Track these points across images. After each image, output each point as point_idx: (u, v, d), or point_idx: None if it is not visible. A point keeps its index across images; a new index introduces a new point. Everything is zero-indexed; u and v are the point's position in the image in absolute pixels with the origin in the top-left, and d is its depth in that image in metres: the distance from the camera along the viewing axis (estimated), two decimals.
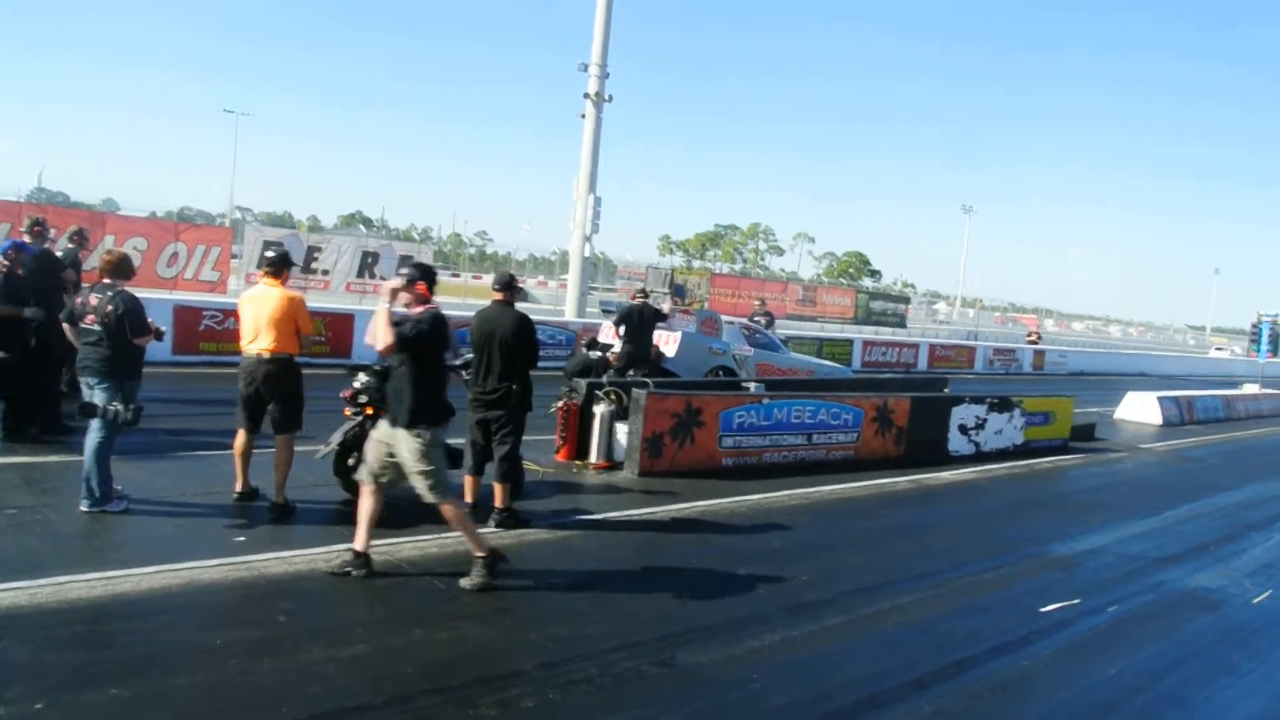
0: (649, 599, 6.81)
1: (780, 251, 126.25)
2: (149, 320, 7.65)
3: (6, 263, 9.71)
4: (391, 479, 6.63)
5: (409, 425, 6.41)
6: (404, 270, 6.76)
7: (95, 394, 7.36)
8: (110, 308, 7.27)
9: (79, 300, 7.54)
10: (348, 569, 6.54)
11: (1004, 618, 7.23)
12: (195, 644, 5.31)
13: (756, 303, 25.79)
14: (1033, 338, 43.71)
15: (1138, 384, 28.69)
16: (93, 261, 9.80)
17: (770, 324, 21.99)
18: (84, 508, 7.37)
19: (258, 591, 6.22)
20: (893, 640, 6.53)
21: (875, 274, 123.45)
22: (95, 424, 7.33)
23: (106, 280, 7.48)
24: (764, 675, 5.65)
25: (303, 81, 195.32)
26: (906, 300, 56.81)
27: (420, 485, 6.48)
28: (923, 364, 33.81)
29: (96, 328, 7.29)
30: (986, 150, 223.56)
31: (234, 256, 26.09)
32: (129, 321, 7.33)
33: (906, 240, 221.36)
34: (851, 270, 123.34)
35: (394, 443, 6.50)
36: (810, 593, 7.28)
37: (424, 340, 6.45)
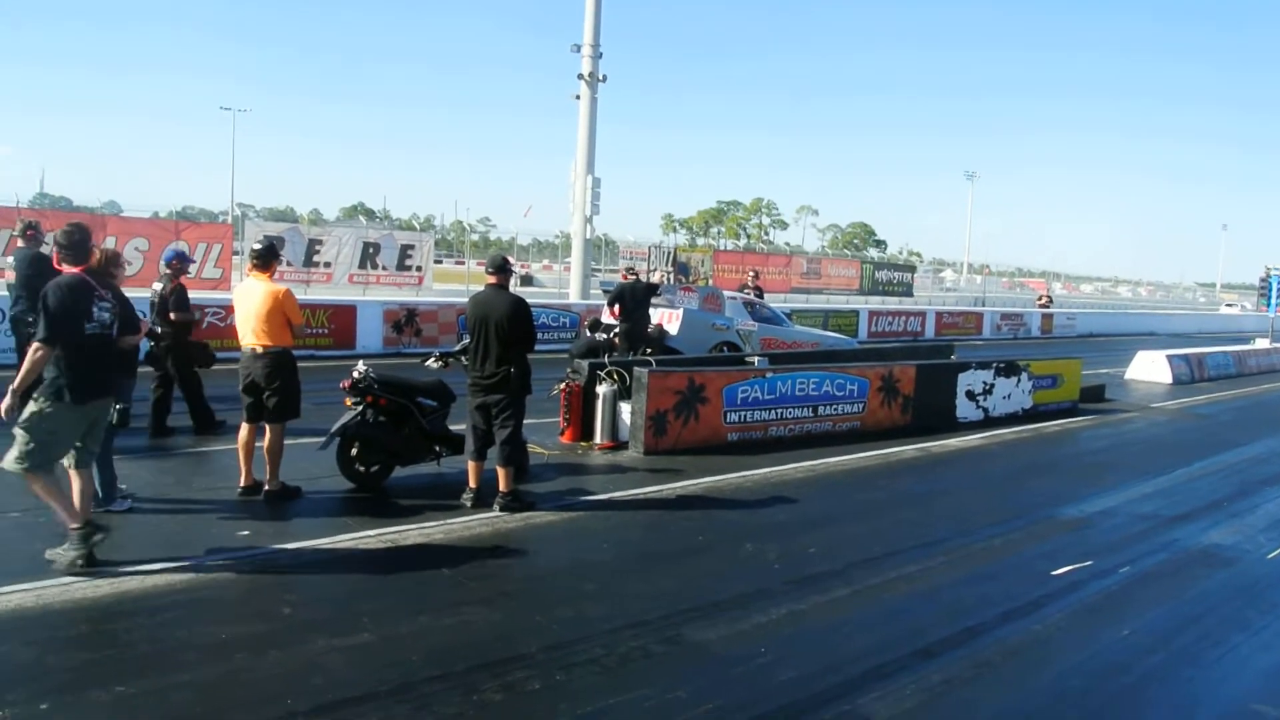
0: (655, 578, 6.79)
1: (784, 225, 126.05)
2: (140, 319, 7.62)
3: (169, 270, 10.25)
4: None
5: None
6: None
7: None
8: None
9: None
10: None
11: (1014, 583, 7.18)
12: (200, 639, 5.31)
13: (749, 274, 25.59)
14: (1043, 301, 43.52)
15: (1147, 344, 28.53)
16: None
17: (760, 297, 21.87)
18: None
19: (263, 584, 6.22)
20: (900, 610, 6.49)
21: (880, 244, 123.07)
22: None
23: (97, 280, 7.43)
24: (771, 649, 5.62)
25: (298, 75, 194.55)
26: (912, 269, 56.38)
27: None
28: (930, 332, 33.70)
29: None
30: (989, 115, 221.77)
31: (235, 253, 26.01)
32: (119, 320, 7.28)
33: (911, 209, 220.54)
34: (856, 241, 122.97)
35: None
36: (817, 565, 7.25)
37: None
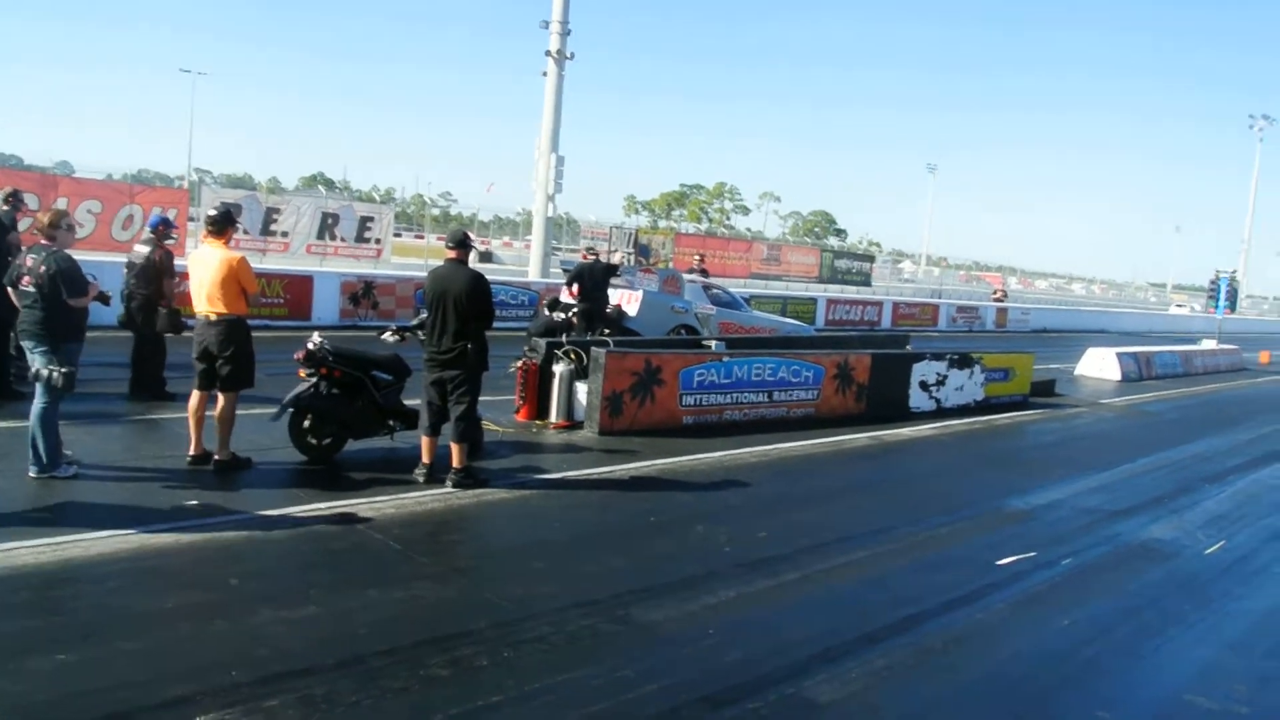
0: (606, 558, 6.81)
1: (746, 211, 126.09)
2: (90, 281, 7.49)
3: (154, 236, 10.40)
4: None
5: None
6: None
7: (34, 357, 7.20)
8: (44, 268, 7.10)
9: (16, 261, 7.37)
10: None
11: (959, 572, 7.29)
12: (144, 608, 5.25)
13: (695, 259, 25.66)
14: (998, 295, 44.07)
15: (1098, 340, 29.02)
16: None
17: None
18: (32, 473, 7.24)
19: (209, 555, 6.15)
20: (847, 595, 6.58)
21: (841, 233, 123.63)
22: (37, 389, 7.19)
23: (44, 241, 7.32)
24: (719, 631, 5.67)
25: (259, 38, 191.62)
26: (871, 259, 56.91)
27: None
28: (886, 322, 33.99)
29: (32, 289, 7.12)
30: (953, 101, 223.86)
31: (191, 219, 25.61)
32: (63, 281, 7.16)
33: (872, 200, 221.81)
34: (817, 229, 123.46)
35: None
36: (768, 549, 7.31)
37: None
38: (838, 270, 47.92)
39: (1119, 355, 22.60)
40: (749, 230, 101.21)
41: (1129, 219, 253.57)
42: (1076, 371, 22.58)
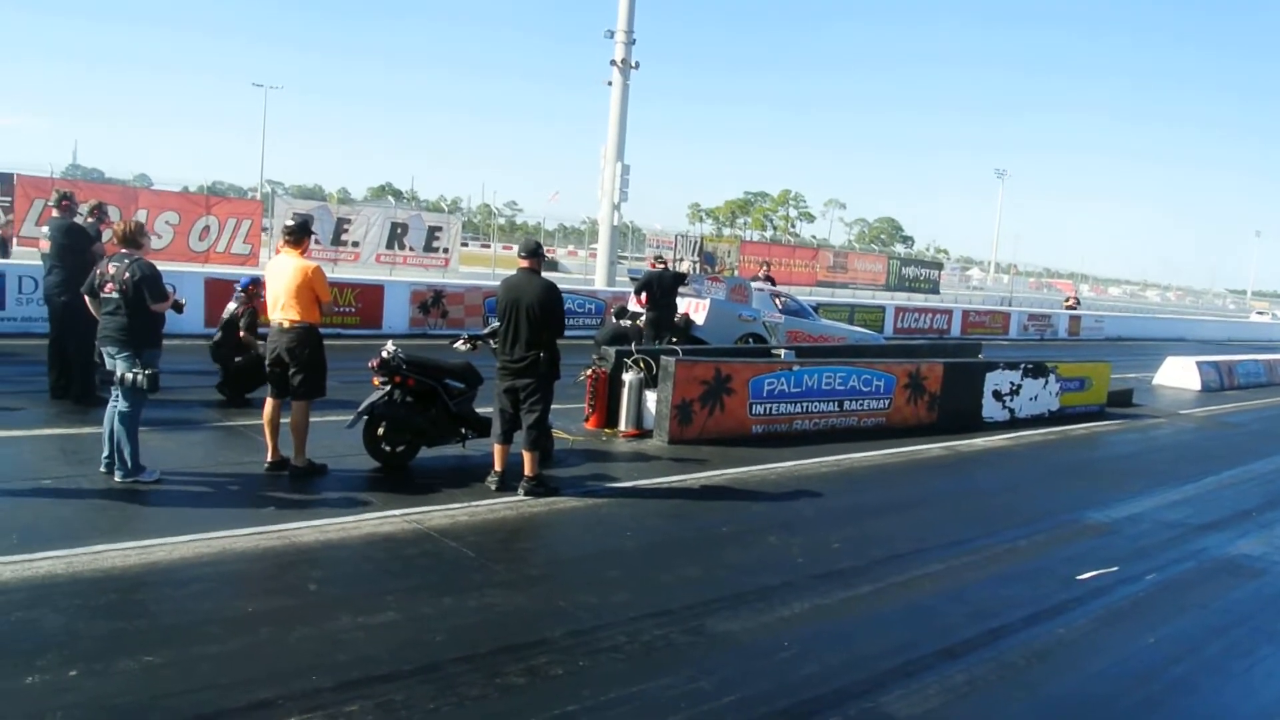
0: (679, 567, 6.77)
1: (811, 218, 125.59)
2: (167, 288, 7.71)
3: (244, 294, 11.05)
4: None
5: None
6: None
7: (116, 363, 7.43)
8: (128, 274, 7.32)
9: (97, 270, 7.60)
10: None
11: (1039, 585, 7.12)
12: (227, 612, 5.34)
13: (762, 267, 25.38)
14: (1070, 303, 43.15)
15: (1176, 349, 28.24)
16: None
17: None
18: (118, 478, 7.44)
19: (288, 560, 6.24)
20: (925, 608, 6.45)
21: (907, 240, 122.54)
22: (119, 394, 7.39)
23: (123, 250, 7.54)
24: (794, 643, 5.60)
25: (325, 49, 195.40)
26: (940, 266, 56.04)
27: None
28: (956, 330, 33.49)
29: (115, 296, 7.34)
30: (1022, 109, 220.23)
31: (264, 229, 26.19)
32: (146, 288, 7.37)
33: (938, 206, 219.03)
34: (883, 236, 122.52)
35: None
36: (841, 560, 7.22)
37: None
38: (905, 278, 47.41)
39: (1199, 364, 21.98)
40: (814, 238, 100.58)
41: (1206, 224, 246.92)
42: (1155, 381, 22.01)
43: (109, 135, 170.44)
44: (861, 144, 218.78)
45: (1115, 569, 7.64)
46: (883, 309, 31.69)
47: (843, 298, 37.56)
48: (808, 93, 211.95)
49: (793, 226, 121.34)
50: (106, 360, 7.59)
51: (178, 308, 7.94)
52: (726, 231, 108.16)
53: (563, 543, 7.20)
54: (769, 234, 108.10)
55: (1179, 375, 22.02)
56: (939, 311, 34.36)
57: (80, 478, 7.52)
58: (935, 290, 49.54)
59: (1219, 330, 50.92)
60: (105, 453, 7.57)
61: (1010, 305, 46.32)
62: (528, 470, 8.08)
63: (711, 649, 5.44)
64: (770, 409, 11.47)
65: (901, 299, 40.51)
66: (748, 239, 79.10)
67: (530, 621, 5.59)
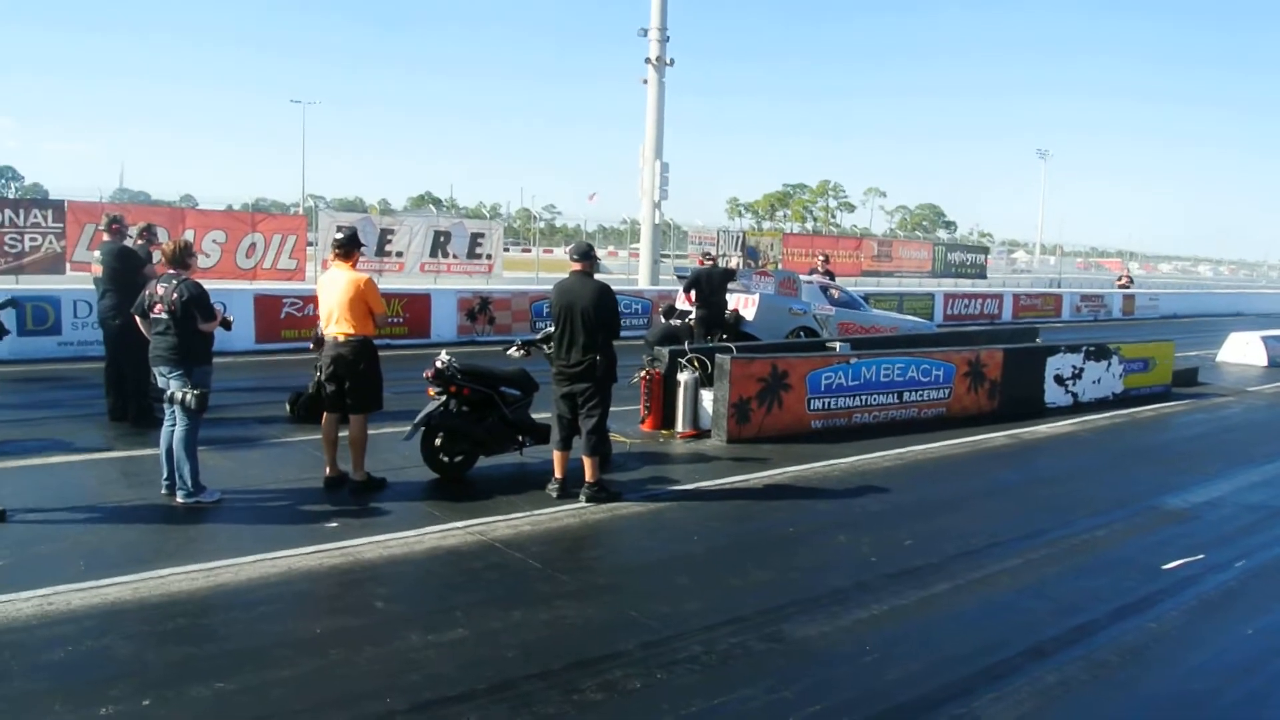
0: (749, 570, 6.60)
1: (851, 208, 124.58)
2: (216, 306, 7.70)
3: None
4: None
5: None
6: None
7: (169, 382, 7.43)
8: (176, 295, 7.32)
9: (146, 291, 7.60)
10: None
11: (1123, 577, 6.86)
12: (295, 634, 5.27)
13: (819, 259, 24.81)
14: (1123, 281, 42.26)
15: (1234, 325, 27.51)
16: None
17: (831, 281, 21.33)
18: (179, 499, 7.43)
19: (354, 577, 6.17)
20: (1006, 605, 6.23)
21: (950, 225, 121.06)
22: (176, 414, 7.37)
23: (171, 270, 7.54)
24: (876, 648, 5.42)
25: (363, 65, 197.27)
26: (986, 250, 55.03)
27: None
28: (1007, 314, 32.94)
29: (164, 316, 7.34)
30: (1061, 89, 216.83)
31: (310, 244, 26.34)
32: (196, 307, 7.36)
33: (980, 190, 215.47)
34: (925, 223, 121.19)
35: None
36: (915, 557, 7.02)
37: None
38: (951, 263, 46.67)
39: (1265, 340, 21.34)
40: (855, 227, 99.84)
41: (1257, 196, 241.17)
42: (1218, 358, 21.41)
43: (153, 157, 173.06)
44: (900, 131, 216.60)
45: (1201, 557, 7.35)
46: (931, 296, 31.25)
47: (889, 287, 37.04)
48: (843, 83, 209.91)
49: (833, 217, 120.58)
50: (159, 380, 7.59)
51: (226, 325, 7.91)
52: (765, 225, 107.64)
53: (628, 549, 7.06)
54: (809, 226, 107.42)
55: (1243, 351, 21.41)
56: (989, 296, 33.79)
57: (142, 501, 7.52)
58: (982, 275, 48.74)
59: (1278, 303, 49.61)
60: (165, 474, 7.57)
61: (1060, 287, 45.50)
62: (588, 476, 7.96)
63: (790, 656, 5.27)
64: (828, 403, 11.26)
65: (949, 285, 39.88)
66: (788, 231, 78.59)
67: (602, 633, 5.46)
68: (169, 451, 7.50)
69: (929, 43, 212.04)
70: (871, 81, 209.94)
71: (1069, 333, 27.02)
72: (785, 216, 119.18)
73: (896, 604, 6.10)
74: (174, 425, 7.45)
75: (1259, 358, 21.05)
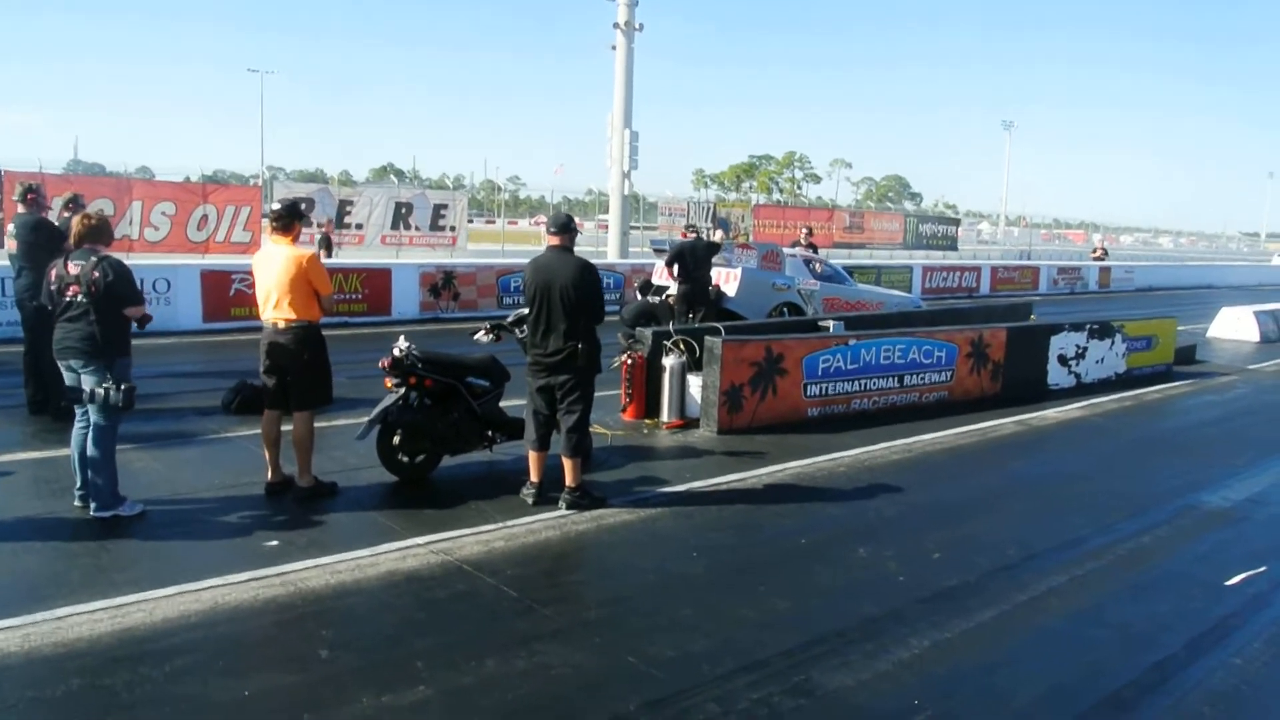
0: (763, 597, 5.64)
1: (817, 179, 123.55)
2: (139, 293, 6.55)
3: None
4: None
5: None
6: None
7: (82, 377, 6.26)
8: (97, 274, 6.14)
9: (54, 273, 6.37)
10: None
11: (1183, 597, 5.99)
12: (217, 699, 4.22)
13: (802, 231, 23.53)
14: (1098, 254, 41.66)
15: (1211, 297, 26.95)
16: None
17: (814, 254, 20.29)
18: (93, 512, 6.35)
19: (293, 614, 5.13)
20: (1064, 636, 5.32)
21: (915, 197, 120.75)
22: (91, 413, 6.27)
23: (86, 246, 6.33)
24: (925, 699, 4.48)
25: (324, 37, 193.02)
26: (956, 222, 54.54)
27: None
28: (985, 288, 32.18)
29: (82, 300, 6.16)
30: (1027, 60, 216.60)
31: (264, 215, 25.11)
32: (121, 290, 6.22)
33: (944, 162, 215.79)
34: (891, 195, 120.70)
35: None
36: (947, 574, 6.10)
37: None
38: (922, 235, 46.08)
39: (1256, 314, 20.69)
40: (820, 198, 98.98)
41: (1214, 167, 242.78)
42: (1209, 334, 20.71)
43: (110, 129, 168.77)
44: (865, 102, 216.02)
45: (1264, 569, 6.49)
46: (909, 269, 30.44)
47: (860, 258, 36.23)
48: (808, 53, 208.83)
49: (799, 188, 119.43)
50: (67, 376, 6.43)
51: (143, 322, 6.63)
52: (732, 196, 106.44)
53: (619, 571, 6.06)
54: (776, 197, 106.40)
55: (1235, 326, 20.76)
56: (967, 269, 33.01)
57: (49, 514, 6.46)
58: (954, 247, 48.25)
59: (1248, 275, 49.34)
60: (78, 484, 6.50)
61: (1030, 259, 44.93)
62: (569, 480, 6.96)
63: (828, 715, 4.32)
64: (826, 389, 10.32)
65: (921, 257, 39.12)
66: (755, 203, 77.63)
67: (595, 688, 4.47)
68: (82, 456, 6.42)
69: (894, 13, 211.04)
70: (838, 52, 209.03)
71: (1049, 306, 26.37)
72: (751, 188, 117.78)
73: (939, 638, 5.17)
74: (86, 426, 6.36)
75: (1251, 333, 20.42)
